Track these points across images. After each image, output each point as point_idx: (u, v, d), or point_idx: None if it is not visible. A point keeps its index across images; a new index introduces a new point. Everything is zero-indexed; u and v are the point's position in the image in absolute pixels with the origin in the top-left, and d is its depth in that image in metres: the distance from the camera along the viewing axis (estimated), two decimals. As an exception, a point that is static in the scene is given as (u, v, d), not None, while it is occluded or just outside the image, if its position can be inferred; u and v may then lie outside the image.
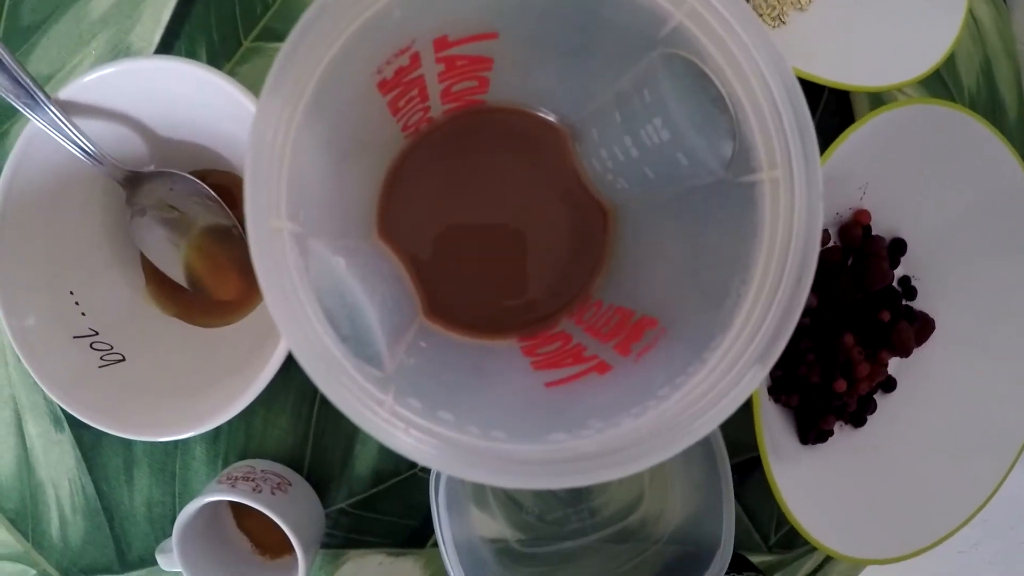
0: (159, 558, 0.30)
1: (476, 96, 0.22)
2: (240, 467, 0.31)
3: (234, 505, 0.32)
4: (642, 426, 0.14)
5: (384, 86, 0.18)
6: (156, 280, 0.29)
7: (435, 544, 0.33)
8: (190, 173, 0.28)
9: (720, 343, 0.15)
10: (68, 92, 0.24)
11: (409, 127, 0.22)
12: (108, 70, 0.24)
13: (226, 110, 0.24)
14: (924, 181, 0.34)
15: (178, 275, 0.28)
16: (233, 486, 0.29)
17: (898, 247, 0.36)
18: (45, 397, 0.34)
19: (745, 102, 0.15)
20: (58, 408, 0.34)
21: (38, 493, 0.34)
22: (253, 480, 0.29)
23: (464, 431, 0.14)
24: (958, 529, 0.33)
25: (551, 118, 0.23)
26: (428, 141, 0.23)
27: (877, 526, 0.32)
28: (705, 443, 0.30)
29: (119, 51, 0.34)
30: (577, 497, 0.35)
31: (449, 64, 0.19)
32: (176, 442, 0.34)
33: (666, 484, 0.34)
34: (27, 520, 0.34)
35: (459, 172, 0.23)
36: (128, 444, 0.33)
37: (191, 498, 0.31)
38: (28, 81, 0.23)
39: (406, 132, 0.22)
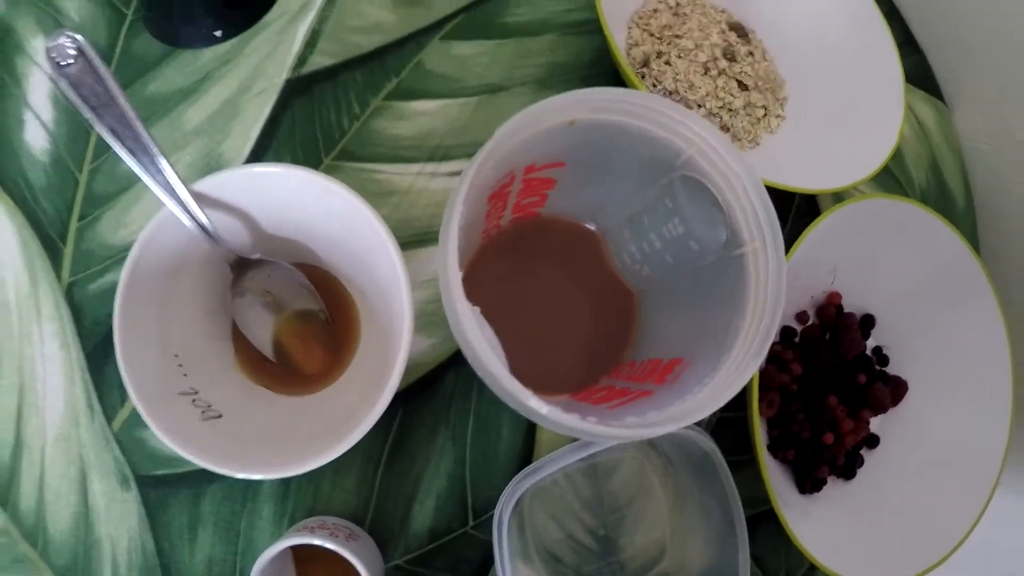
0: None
1: (535, 208, 0.32)
2: (311, 521, 0.38)
3: (297, 558, 0.38)
4: (685, 407, 0.22)
5: (491, 197, 0.27)
6: (245, 352, 0.38)
7: None
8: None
9: (728, 358, 0.23)
10: (200, 186, 0.33)
11: (487, 231, 0.31)
12: (237, 172, 0.33)
13: (334, 212, 0.33)
14: (885, 263, 0.44)
15: (267, 350, 0.36)
16: (311, 532, 0.35)
17: (868, 321, 0.46)
18: (115, 457, 0.40)
19: (732, 202, 0.25)
20: (126, 468, 0.40)
21: (94, 550, 0.40)
22: (327, 529, 0.35)
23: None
24: (947, 557, 0.40)
25: (591, 226, 0.33)
26: (495, 243, 0.33)
27: (878, 554, 0.39)
28: (722, 499, 0.39)
29: (211, 159, 0.44)
30: (607, 550, 0.41)
31: (527, 184, 0.29)
32: (244, 501, 0.40)
33: (686, 538, 0.42)
34: (78, 576, 0.39)
35: (518, 268, 0.33)
36: (196, 502, 0.40)
37: (254, 556, 0.37)
38: (173, 175, 0.31)
39: (483, 235, 0.32)
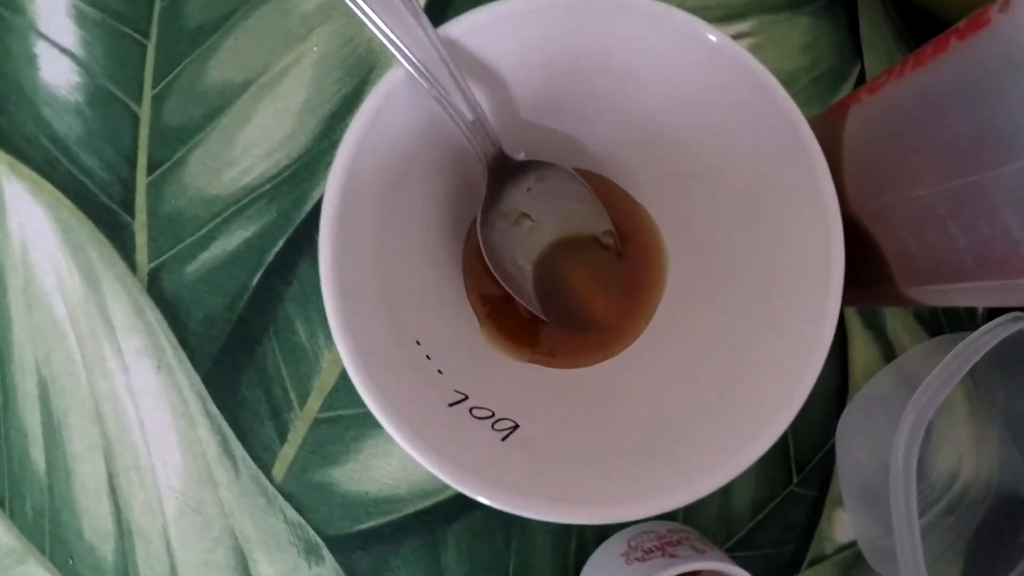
0: None
1: None
2: (632, 536, 0.24)
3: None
4: None
5: None
6: (497, 314, 0.23)
7: (811, 564, 0.30)
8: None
9: None
10: (454, 30, 0.18)
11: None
12: (500, 7, 0.18)
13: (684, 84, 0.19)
14: None
15: (534, 303, 0.22)
16: (644, 560, 0.22)
17: None
18: (287, 520, 0.25)
19: None
20: (310, 532, 0.25)
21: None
22: (676, 542, 0.22)
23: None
24: None
25: None
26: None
27: None
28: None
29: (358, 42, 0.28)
30: (920, 476, 0.32)
31: None
32: (508, 539, 0.26)
33: (981, 443, 0.33)
34: None
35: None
36: (433, 555, 0.26)
37: None
38: (411, 2, 0.17)
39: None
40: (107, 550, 0.25)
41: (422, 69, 0.18)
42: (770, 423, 0.18)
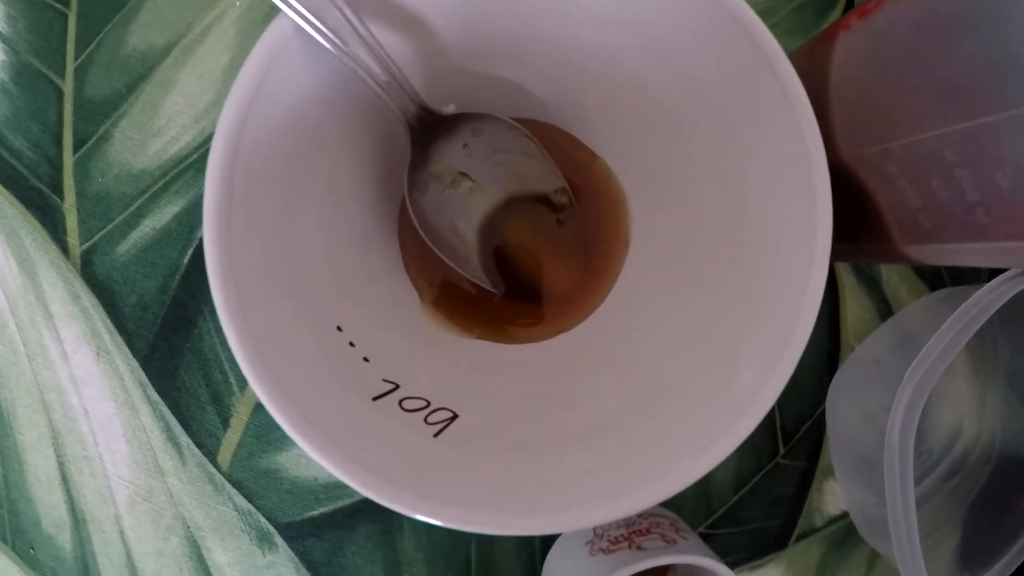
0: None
1: None
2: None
3: None
4: None
5: None
6: (436, 287, 0.20)
7: (800, 538, 0.27)
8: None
9: None
10: None
11: None
12: None
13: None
14: None
15: (478, 273, 0.18)
16: (609, 552, 0.19)
17: None
18: (236, 507, 0.23)
19: None
20: (260, 519, 0.23)
21: (245, 649, 0.23)
22: (653, 529, 0.19)
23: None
24: None
25: None
26: None
27: None
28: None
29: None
30: (919, 440, 0.29)
31: None
32: None
33: (984, 401, 0.30)
34: None
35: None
36: (390, 540, 0.24)
37: None
38: None
39: None
40: (64, 539, 0.24)
41: (309, 17, 0.14)
42: (749, 404, 0.15)
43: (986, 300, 0.22)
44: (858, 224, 0.21)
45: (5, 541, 0.25)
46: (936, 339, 0.22)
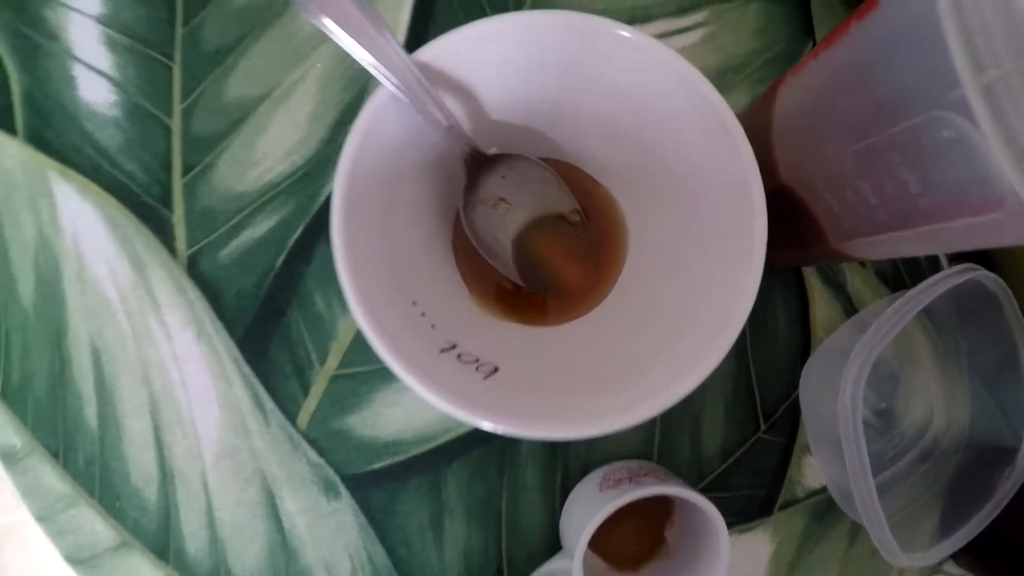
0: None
1: None
2: (608, 471, 0.27)
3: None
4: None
5: None
6: (481, 282, 0.26)
7: (782, 507, 0.32)
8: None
9: None
10: (426, 55, 0.21)
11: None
12: (471, 30, 0.21)
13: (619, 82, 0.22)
14: None
15: (513, 272, 0.25)
16: (615, 487, 0.25)
17: None
18: (310, 462, 0.28)
19: None
20: (330, 472, 0.29)
21: (304, 583, 0.30)
22: (645, 473, 0.25)
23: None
24: None
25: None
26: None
27: None
28: (998, 338, 0.31)
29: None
30: (888, 425, 0.34)
31: None
32: (501, 475, 0.29)
33: (953, 391, 0.35)
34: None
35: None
36: (435, 490, 0.29)
37: (522, 537, 0.28)
38: (395, 42, 0.20)
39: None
40: (151, 492, 0.29)
41: (401, 88, 0.21)
42: (709, 349, 0.21)
43: (928, 290, 0.28)
44: (802, 231, 0.28)
45: (92, 495, 0.29)
46: (882, 320, 0.28)
